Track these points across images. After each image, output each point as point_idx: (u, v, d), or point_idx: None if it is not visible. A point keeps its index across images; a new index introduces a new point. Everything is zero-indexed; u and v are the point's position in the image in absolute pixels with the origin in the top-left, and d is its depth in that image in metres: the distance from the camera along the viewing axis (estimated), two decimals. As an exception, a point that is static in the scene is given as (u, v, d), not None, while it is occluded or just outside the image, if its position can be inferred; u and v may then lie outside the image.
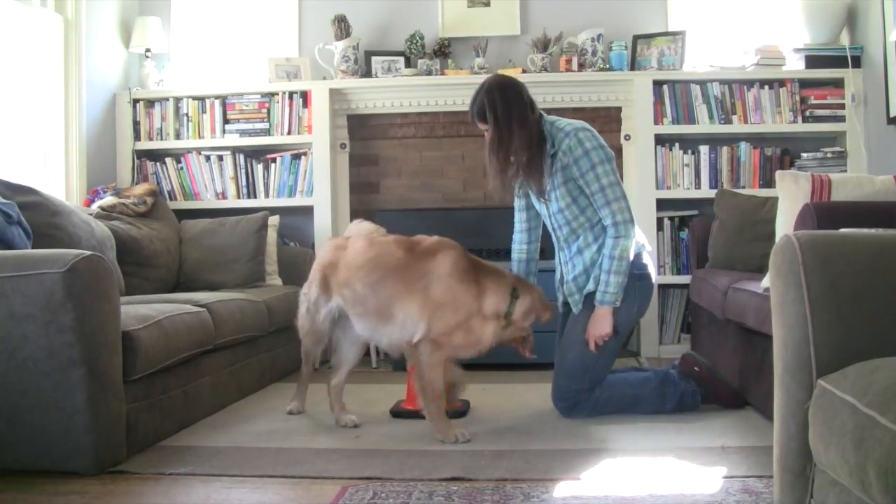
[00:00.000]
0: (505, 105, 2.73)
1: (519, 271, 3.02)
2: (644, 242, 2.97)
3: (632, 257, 2.83)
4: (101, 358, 2.28)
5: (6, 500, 2.07)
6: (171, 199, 4.48)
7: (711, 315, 3.44)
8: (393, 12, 4.63)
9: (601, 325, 2.80)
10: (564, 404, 2.88)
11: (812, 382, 1.52)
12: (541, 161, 2.81)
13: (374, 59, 4.51)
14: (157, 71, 4.59)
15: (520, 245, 3.07)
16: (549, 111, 4.42)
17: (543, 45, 4.37)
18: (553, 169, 2.81)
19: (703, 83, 4.32)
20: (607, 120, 4.45)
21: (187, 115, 4.54)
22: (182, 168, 4.54)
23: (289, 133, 4.48)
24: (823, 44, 4.23)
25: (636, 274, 2.87)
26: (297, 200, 4.48)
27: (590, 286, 2.85)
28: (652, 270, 2.96)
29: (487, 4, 4.57)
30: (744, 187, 4.22)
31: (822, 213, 2.46)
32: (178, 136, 4.55)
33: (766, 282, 2.67)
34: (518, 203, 3.08)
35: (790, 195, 2.78)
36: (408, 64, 4.50)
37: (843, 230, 2.07)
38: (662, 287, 4.35)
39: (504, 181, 2.82)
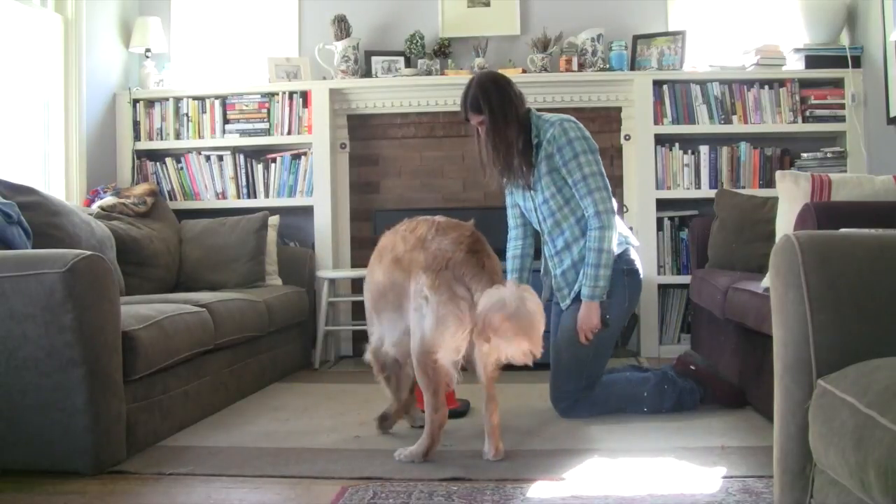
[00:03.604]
0: (499, 95, 2.75)
1: (512, 268, 3.01)
2: (630, 237, 2.99)
3: (616, 250, 2.83)
4: (101, 358, 2.28)
5: (6, 500, 2.07)
6: (171, 199, 4.48)
7: (711, 315, 3.44)
8: (393, 12, 4.63)
9: (590, 318, 2.79)
10: (563, 404, 2.88)
11: (812, 382, 1.52)
12: (528, 152, 2.82)
13: (374, 59, 4.51)
14: (157, 71, 4.59)
15: (514, 241, 3.07)
16: (550, 111, 4.43)
17: (543, 45, 4.37)
18: (538, 159, 2.82)
19: (703, 83, 4.32)
20: (607, 120, 4.46)
21: (187, 115, 4.54)
22: (182, 168, 4.54)
23: (289, 133, 4.48)
24: (823, 44, 4.23)
25: (625, 269, 2.88)
26: (297, 200, 4.48)
27: (578, 285, 2.85)
28: (639, 266, 2.97)
29: (487, 4, 4.57)
30: (744, 187, 4.22)
31: (822, 213, 2.46)
32: (178, 136, 4.55)
33: (766, 282, 2.67)
34: (509, 199, 3.07)
35: (790, 195, 2.78)
36: (408, 64, 4.50)
37: (843, 230, 2.07)
38: (662, 287, 4.35)
39: (503, 169, 2.82)
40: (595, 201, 2.76)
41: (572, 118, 2.87)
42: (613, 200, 2.84)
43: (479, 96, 2.75)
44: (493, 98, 2.74)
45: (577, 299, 2.86)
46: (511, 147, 2.77)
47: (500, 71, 4.29)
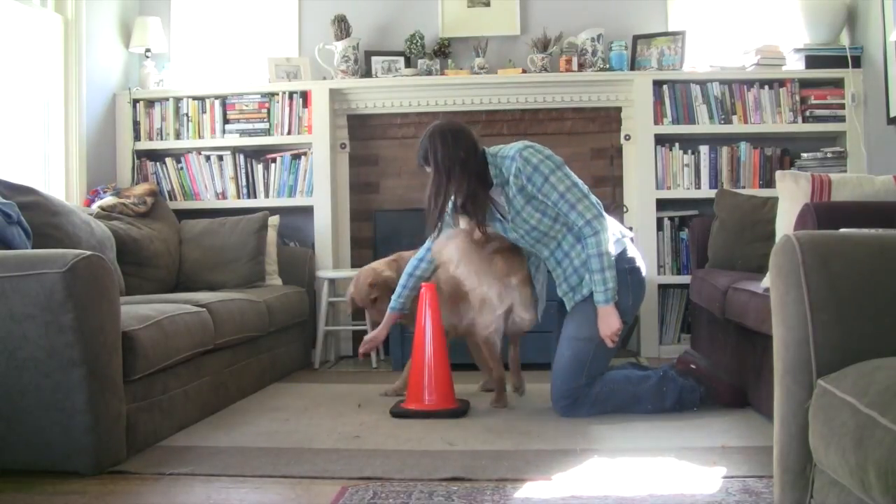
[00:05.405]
0: (444, 150, 2.86)
1: (406, 284, 3.15)
2: (623, 231, 3.01)
3: (615, 250, 2.87)
4: (101, 358, 2.28)
5: (6, 500, 2.07)
6: (171, 199, 4.48)
7: (711, 315, 3.44)
8: (393, 12, 4.63)
9: (610, 322, 2.83)
10: (564, 402, 2.89)
11: (812, 382, 1.52)
12: (480, 198, 2.91)
13: (374, 59, 4.51)
14: (157, 71, 4.59)
15: (418, 262, 3.16)
16: (549, 111, 4.51)
17: (543, 45, 4.37)
18: (510, 195, 2.88)
19: (703, 83, 4.32)
20: (607, 120, 4.46)
21: (187, 115, 4.53)
22: (182, 168, 4.54)
23: (289, 133, 4.48)
24: (823, 44, 4.23)
25: (626, 268, 2.91)
26: (297, 200, 4.48)
27: (585, 289, 2.88)
28: (640, 263, 3.00)
29: (487, 4, 4.57)
30: (744, 187, 4.22)
31: (822, 213, 2.46)
32: (178, 136, 4.54)
33: (766, 282, 2.67)
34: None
35: (790, 195, 2.78)
36: (408, 64, 4.50)
37: (843, 230, 2.07)
38: (662, 287, 4.35)
39: (440, 218, 2.94)
40: (580, 212, 2.82)
41: (528, 143, 2.90)
42: (593, 198, 2.88)
43: (427, 150, 2.89)
44: (440, 153, 2.86)
45: (581, 301, 2.90)
46: (447, 199, 2.90)
47: (504, 72, 4.36)
